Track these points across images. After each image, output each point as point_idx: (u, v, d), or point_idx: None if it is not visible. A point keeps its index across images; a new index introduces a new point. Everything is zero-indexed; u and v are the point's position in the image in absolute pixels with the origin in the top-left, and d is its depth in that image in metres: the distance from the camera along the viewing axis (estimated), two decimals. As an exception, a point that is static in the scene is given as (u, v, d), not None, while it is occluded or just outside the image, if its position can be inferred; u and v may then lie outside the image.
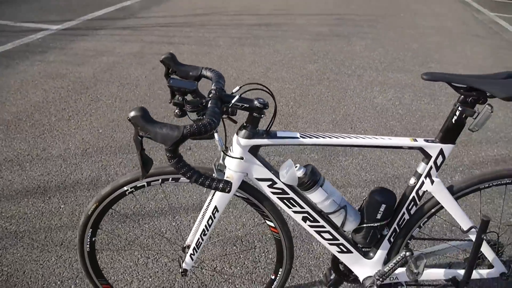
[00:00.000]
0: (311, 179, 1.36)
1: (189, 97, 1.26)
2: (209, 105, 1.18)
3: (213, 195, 1.48)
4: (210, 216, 1.43)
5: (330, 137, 1.35)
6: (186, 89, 1.22)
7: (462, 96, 1.30)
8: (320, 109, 3.78)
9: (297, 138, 1.33)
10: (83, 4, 6.77)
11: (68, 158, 2.82)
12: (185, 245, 1.61)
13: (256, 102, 1.25)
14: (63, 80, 4.03)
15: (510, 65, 5.36)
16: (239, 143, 1.31)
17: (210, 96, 1.22)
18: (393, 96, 4.18)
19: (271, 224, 1.50)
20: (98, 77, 4.13)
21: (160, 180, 1.39)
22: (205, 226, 1.45)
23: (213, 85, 1.29)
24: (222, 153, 1.38)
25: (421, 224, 1.51)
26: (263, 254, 2.13)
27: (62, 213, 2.33)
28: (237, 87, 1.27)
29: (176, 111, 1.25)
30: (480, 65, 5.30)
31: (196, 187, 2.57)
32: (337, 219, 1.45)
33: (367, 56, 5.26)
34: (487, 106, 1.29)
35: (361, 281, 1.60)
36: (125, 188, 1.39)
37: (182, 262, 1.55)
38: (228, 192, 1.15)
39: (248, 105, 1.26)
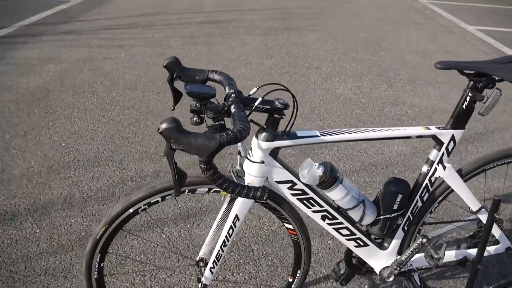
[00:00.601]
0: (331, 177, 1.34)
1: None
2: (233, 109, 1.11)
3: (228, 204, 1.42)
4: (231, 225, 1.37)
5: (349, 133, 1.33)
6: (206, 95, 1.14)
7: (472, 82, 1.33)
8: (286, 103, 3.78)
9: (317, 136, 1.30)
10: (15, 9, 6.29)
11: (33, 178, 2.60)
12: (198, 259, 1.53)
13: (277, 103, 1.21)
14: (10, 92, 3.71)
15: (450, 49, 5.68)
16: (260, 147, 1.25)
17: (231, 100, 1.15)
18: (352, 85, 4.27)
19: (290, 226, 1.46)
20: (49, 87, 3.85)
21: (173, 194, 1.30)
22: (226, 236, 1.38)
23: (227, 88, 1.23)
24: (239, 158, 1.32)
25: (433, 210, 1.54)
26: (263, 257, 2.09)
27: (39, 239, 2.14)
28: (255, 89, 1.22)
29: (195, 118, 1.17)
30: (424, 49, 5.56)
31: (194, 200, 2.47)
32: (355, 214, 1.44)
33: (320, 48, 5.34)
34: (496, 90, 1.33)
35: (377, 272, 1.60)
36: (138, 205, 1.29)
37: (202, 276, 1.47)
38: (266, 200, 1.10)
39: (269, 107, 1.21)
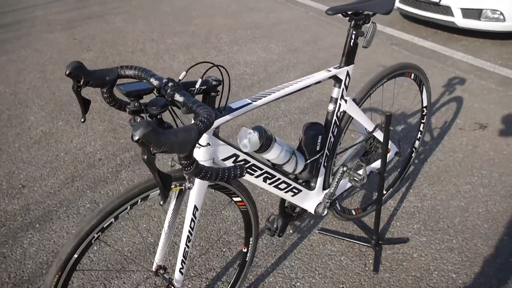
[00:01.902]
0: (267, 138, 1.39)
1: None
2: (180, 98, 1.05)
3: (176, 200, 1.35)
4: (191, 218, 1.31)
5: (274, 92, 1.38)
6: (146, 91, 1.04)
7: (353, 21, 1.51)
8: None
9: (250, 103, 1.31)
10: None
11: None
12: (155, 267, 1.42)
13: (211, 81, 1.18)
14: None
15: (252, 6, 6.10)
16: (203, 130, 1.21)
17: (172, 89, 1.08)
18: (184, 58, 4.28)
19: (238, 199, 1.47)
20: None
21: (128, 207, 1.18)
22: (188, 231, 1.32)
23: (153, 79, 1.14)
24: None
25: (341, 141, 1.74)
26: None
27: None
28: (184, 73, 1.15)
29: (137, 118, 1.06)
30: (231, 10, 5.86)
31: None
32: (290, 167, 1.53)
33: (134, 30, 5.12)
34: (371, 23, 1.54)
35: (313, 211, 1.75)
36: (92, 235, 1.13)
37: (170, 283, 1.38)
38: (244, 175, 1.08)
39: (205, 87, 1.17)
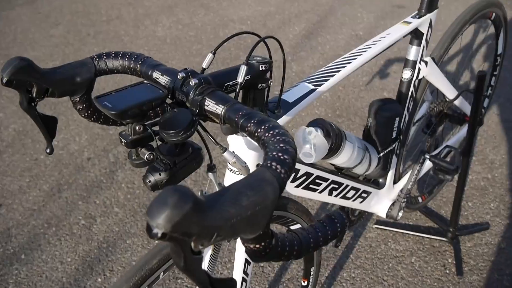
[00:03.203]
0: (337, 138, 0.92)
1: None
2: (219, 107, 0.57)
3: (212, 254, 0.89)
4: (243, 278, 0.86)
5: (337, 68, 0.90)
6: (151, 103, 0.55)
7: None
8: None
9: (313, 90, 0.84)
10: None
11: None
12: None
13: (257, 65, 0.69)
14: None
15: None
16: (251, 144, 0.74)
17: (201, 93, 0.59)
18: (168, 22, 3.69)
19: (297, 226, 1.02)
20: None
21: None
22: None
23: (157, 75, 0.65)
24: (212, 176, 0.78)
25: (415, 120, 1.28)
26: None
27: None
28: (210, 56, 0.67)
29: (146, 155, 0.58)
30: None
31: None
32: (362, 168, 1.07)
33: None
34: None
35: (384, 215, 1.31)
36: None
37: None
38: (347, 228, 0.63)
39: (249, 76, 0.68)
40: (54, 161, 2.23)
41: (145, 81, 0.61)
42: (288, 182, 0.86)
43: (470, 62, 2.58)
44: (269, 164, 0.45)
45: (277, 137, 0.49)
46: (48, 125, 0.70)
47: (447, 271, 1.52)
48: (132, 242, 1.75)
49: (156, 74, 0.65)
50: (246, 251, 0.49)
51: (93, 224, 1.85)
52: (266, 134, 0.50)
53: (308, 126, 0.90)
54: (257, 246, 0.47)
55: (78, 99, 0.69)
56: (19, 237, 1.81)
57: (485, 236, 1.62)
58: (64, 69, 0.67)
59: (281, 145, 0.47)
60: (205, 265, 0.88)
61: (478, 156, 1.98)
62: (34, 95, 0.65)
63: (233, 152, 0.67)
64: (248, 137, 0.73)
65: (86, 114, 0.71)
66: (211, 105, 0.57)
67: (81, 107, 0.70)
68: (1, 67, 0.61)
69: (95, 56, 0.70)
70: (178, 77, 0.61)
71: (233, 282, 0.47)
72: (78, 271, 1.66)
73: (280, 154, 0.46)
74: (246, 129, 0.53)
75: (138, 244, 1.73)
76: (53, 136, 0.72)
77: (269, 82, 0.71)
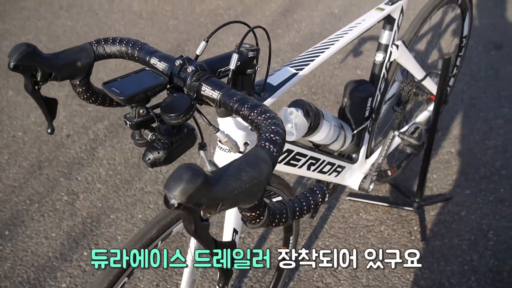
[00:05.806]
0: (316, 117, 1.00)
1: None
2: (215, 92, 0.64)
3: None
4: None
5: (317, 53, 0.97)
6: (154, 88, 0.62)
7: None
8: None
9: (295, 74, 0.91)
10: None
11: None
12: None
13: (246, 52, 0.75)
14: None
15: None
16: (240, 125, 0.81)
17: (197, 79, 0.66)
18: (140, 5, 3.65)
19: (279, 199, 1.11)
20: None
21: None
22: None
23: (155, 61, 0.71)
24: (203, 154, 0.85)
25: (386, 99, 1.37)
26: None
27: None
28: (203, 44, 0.72)
29: (150, 135, 0.65)
30: None
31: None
32: (337, 144, 1.16)
33: None
34: None
35: (357, 188, 1.42)
36: None
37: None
38: (326, 198, 0.71)
39: (239, 63, 0.74)
40: (33, 138, 2.23)
41: (147, 68, 0.67)
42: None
43: (438, 43, 2.70)
44: (263, 144, 0.52)
45: (269, 120, 0.56)
46: (50, 107, 0.75)
47: (413, 238, 1.65)
48: (116, 217, 1.80)
49: (153, 60, 0.70)
50: (242, 219, 0.57)
51: (76, 200, 1.89)
52: (259, 118, 0.57)
53: (289, 106, 0.97)
54: (253, 214, 0.55)
55: (78, 82, 0.74)
56: (1, 214, 1.84)
57: (447, 206, 1.76)
58: (65, 54, 0.71)
59: (273, 127, 0.55)
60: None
61: (444, 132, 2.11)
62: (38, 79, 0.69)
63: (224, 131, 0.74)
64: (237, 118, 0.79)
65: (85, 96, 0.77)
66: (207, 91, 0.64)
67: (80, 89, 0.75)
68: None
69: (94, 42, 0.74)
70: (176, 64, 0.67)
71: (234, 243, 0.55)
72: (63, 245, 1.71)
73: (272, 135, 0.53)
74: (240, 112, 0.59)
75: (122, 218, 1.79)
76: (53, 116, 0.77)
77: (256, 68, 0.78)
